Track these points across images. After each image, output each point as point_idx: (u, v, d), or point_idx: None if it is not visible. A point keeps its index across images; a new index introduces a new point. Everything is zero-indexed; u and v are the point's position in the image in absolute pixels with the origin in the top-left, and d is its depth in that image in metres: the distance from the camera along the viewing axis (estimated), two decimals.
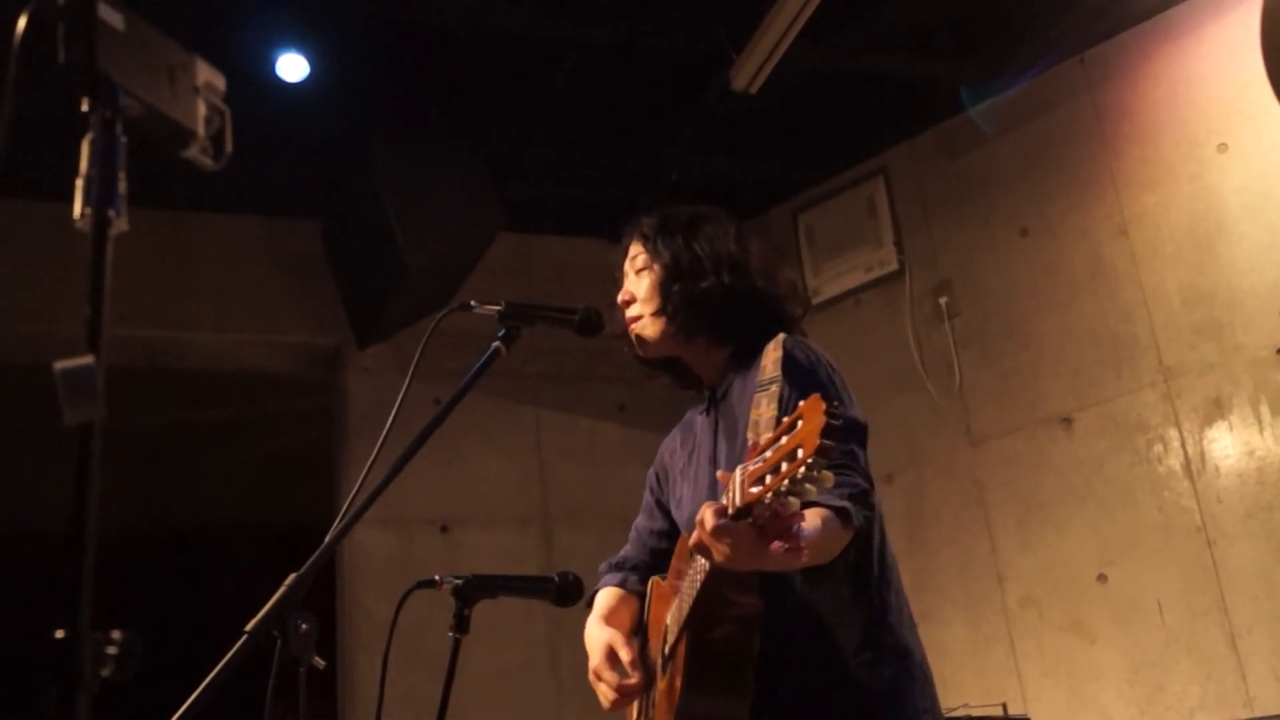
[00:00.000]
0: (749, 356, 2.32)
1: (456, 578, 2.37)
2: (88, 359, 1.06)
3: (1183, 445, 4.45)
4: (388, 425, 2.05)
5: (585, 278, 5.88)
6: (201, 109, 1.27)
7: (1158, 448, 4.51)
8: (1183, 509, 4.41)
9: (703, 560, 1.98)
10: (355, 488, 1.99)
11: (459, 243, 4.96)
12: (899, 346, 5.30)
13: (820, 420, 1.55)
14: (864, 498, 2.02)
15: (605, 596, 2.56)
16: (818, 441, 1.54)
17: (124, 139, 1.16)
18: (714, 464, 2.35)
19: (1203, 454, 4.40)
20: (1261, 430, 4.28)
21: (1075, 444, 4.74)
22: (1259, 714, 4.08)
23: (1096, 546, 4.60)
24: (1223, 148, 4.52)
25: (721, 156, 5.65)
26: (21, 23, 1.13)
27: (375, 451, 2.03)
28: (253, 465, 7.83)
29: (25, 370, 4.67)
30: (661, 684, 2.25)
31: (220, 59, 1.32)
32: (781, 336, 2.23)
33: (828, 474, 1.56)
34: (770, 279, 2.43)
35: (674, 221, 2.48)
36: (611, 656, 2.40)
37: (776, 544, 1.70)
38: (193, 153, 1.27)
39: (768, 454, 1.66)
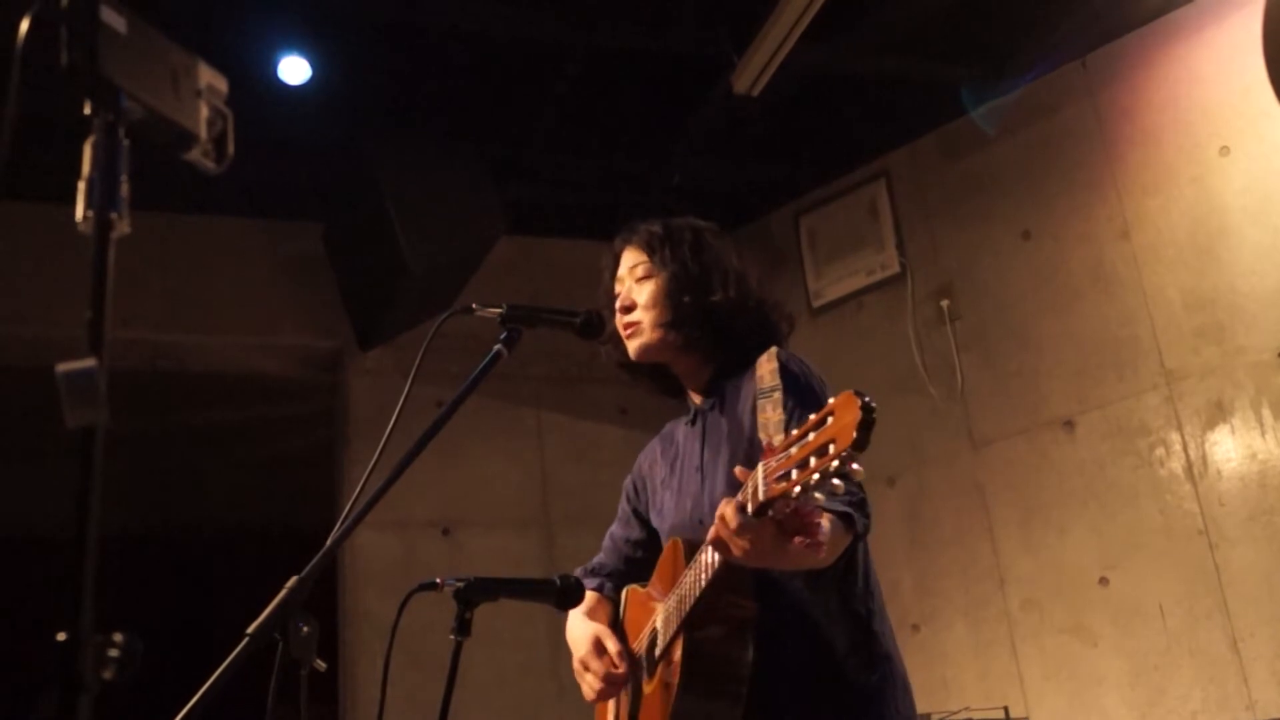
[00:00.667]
0: (738, 370, 2.36)
1: (458, 580, 2.36)
2: (90, 362, 1.06)
3: (1184, 448, 4.45)
4: (389, 428, 2.05)
5: (587, 281, 5.83)
6: (204, 112, 1.27)
7: (1159, 451, 4.51)
8: (1185, 512, 4.41)
9: (706, 559, 1.98)
10: (357, 490, 1.99)
11: (461, 245, 4.96)
12: (901, 349, 5.30)
13: (856, 414, 1.55)
14: (863, 505, 2.07)
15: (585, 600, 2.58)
16: (854, 435, 1.54)
17: (126, 142, 1.17)
18: (701, 473, 2.38)
19: (1205, 457, 4.39)
20: (1263, 433, 4.27)
21: (1077, 447, 4.73)
22: (1261, 717, 4.07)
23: (1098, 549, 4.60)
24: (1224, 151, 4.51)
25: (723, 159, 5.66)
26: (24, 25, 1.14)
27: (377, 454, 2.03)
28: (254, 468, 7.83)
29: (27, 373, 4.68)
30: (648, 687, 2.25)
31: (222, 62, 1.32)
32: (774, 349, 2.27)
33: (859, 469, 1.58)
34: (766, 296, 2.48)
35: (678, 233, 2.49)
36: (599, 647, 2.43)
37: (799, 539, 1.71)
38: (195, 155, 1.27)
39: (792, 450, 1.66)
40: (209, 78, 1.29)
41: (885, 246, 5.46)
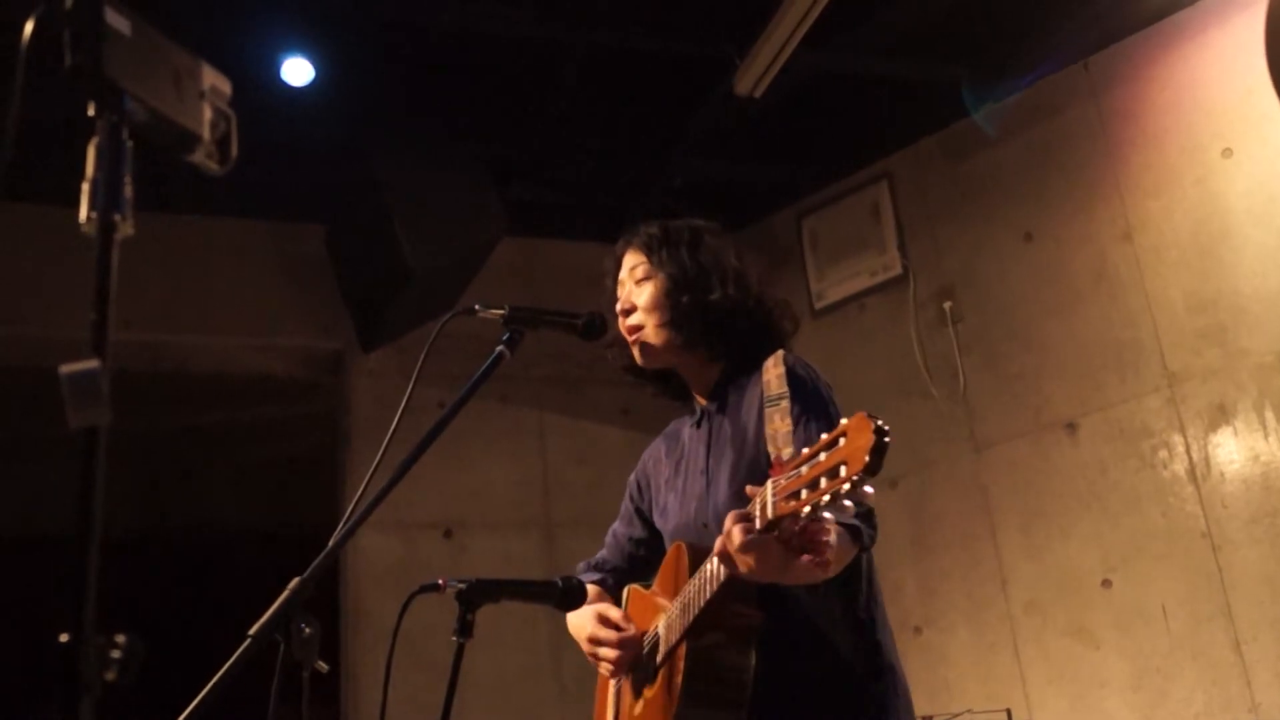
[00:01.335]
0: (744, 372, 2.36)
1: (460, 582, 2.36)
2: (93, 363, 1.06)
3: (1187, 451, 4.45)
4: (391, 429, 2.06)
5: (589, 282, 5.85)
6: (207, 113, 1.28)
7: (1162, 453, 4.51)
8: (1187, 514, 4.40)
9: (711, 570, 1.99)
10: (359, 492, 2.00)
11: (463, 247, 4.97)
12: (903, 351, 5.30)
13: (869, 439, 1.56)
14: (870, 517, 2.07)
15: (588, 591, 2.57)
16: (865, 459, 1.55)
17: (130, 143, 1.17)
18: (705, 476, 2.38)
19: (1207, 459, 4.39)
20: (1266, 435, 4.27)
21: (1079, 449, 4.73)
22: None
23: (1101, 552, 4.60)
24: (1227, 153, 4.51)
25: (725, 161, 5.66)
26: (28, 28, 1.14)
27: (379, 455, 2.03)
28: (256, 469, 7.83)
29: (30, 374, 4.68)
30: (650, 691, 2.25)
31: (225, 63, 1.32)
32: (781, 353, 2.27)
33: (869, 490, 1.59)
34: (768, 294, 2.48)
35: (676, 233, 2.50)
36: (602, 619, 2.42)
37: (806, 557, 1.72)
38: (198, 157, 1.28)
39: (803, 470, 1.67)
40: (212, 79, 1.29)
41: (887, 248, 5.45)
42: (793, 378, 2.17)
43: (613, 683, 2.48)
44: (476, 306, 2.30)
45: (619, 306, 2.49)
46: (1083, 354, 4.79)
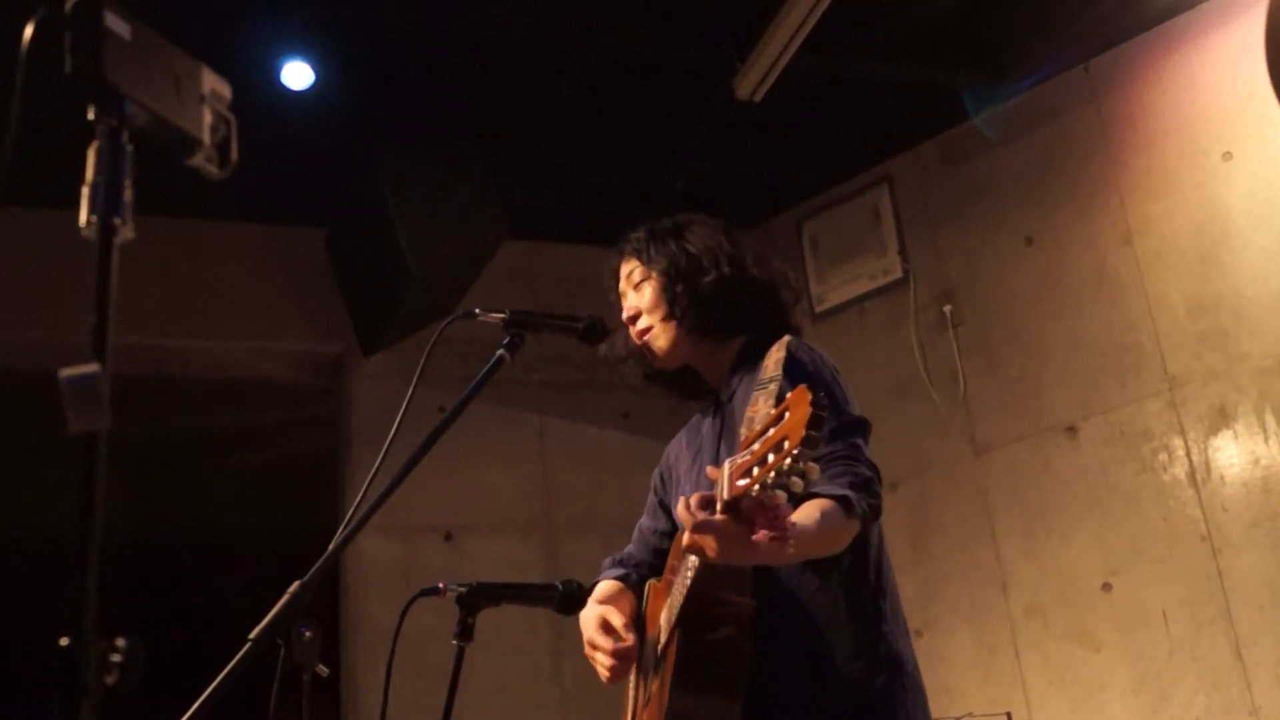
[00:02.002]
0: (754, 358, 2.33)
1: (460, 586, 2.37)
2: (93, 367, 1.06)
3: (1188, 454, 4.45)
4: (392, 433, 2.06)
5: (589, 286, 5.84)
6: (207, 117, 1.28)
7: (1162, 456, 4.51)
8: (1188, 518, 4.40)
9: (694, 558, 1.97)
10: (359, 495, 2.00)
11: (463, 250, 4.96)
12: (903, 355, 5.30)
13: (806, 411, 1.54)
14: (868, 486, 2.03)
15: (604, 587, 2.56)
16: (803, 433, 1.53)
17: (130, 147, 1.17)
18: (717, 461, 2.35)
19: (1208, 463, 4.39)
20: (1267, 439, 4.27)
21: (1080, 453, 4.73)
22: None
23: (1101, 555, 4.60)
24: (1227, 156, 4.51)
25: (726, 164, 5.66)
26: (28, 31, 1.14)
27: (379, 459, 2.03)
28: (256, 473, 7.83)
29: (30, 377, 4.68)
30: (654, 684, 2.24)
31: (226, 67, 1.32)
32: (786, 339, 2.24)
33: (813, 465, 1.57)
34: (765, 267, 2.48)
35: (660, 229, 2.52)
36: (606, 626, 2.40)
37: (762, 533, 1.70)
38: (198, 161, 1.28)
39: (755, 446, 1.66)
40: (212, 83, 1.29)
41: (888, 252, 5.46)
42: (791, 361, 2.15)
43: (633, 681, 2.48)
44: (477, 310, 2.30)
45: (625, 315, 2.50)
46: (1083, 357, 4.79)
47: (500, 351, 2.24)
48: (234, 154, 1.30)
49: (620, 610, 2.44)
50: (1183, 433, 4.47)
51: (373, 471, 2.01)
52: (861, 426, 2.17)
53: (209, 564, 8.02)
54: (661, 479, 2.68)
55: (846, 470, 2.03)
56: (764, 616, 2.07)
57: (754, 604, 2.06)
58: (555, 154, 5.44)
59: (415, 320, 5.13)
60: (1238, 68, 4.48)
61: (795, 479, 1.58)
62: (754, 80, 4.65)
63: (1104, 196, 4.83)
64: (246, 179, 1.61)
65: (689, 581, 2.00)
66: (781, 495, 1.62)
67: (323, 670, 2.00)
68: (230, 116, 1.30)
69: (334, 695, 5.10)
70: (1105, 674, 4.51)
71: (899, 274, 5.41)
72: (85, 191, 1.15)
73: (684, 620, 2.06)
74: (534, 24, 4.58)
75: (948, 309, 5.22)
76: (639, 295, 2.47)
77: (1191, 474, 4.42)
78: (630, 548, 2.70)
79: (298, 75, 4.57)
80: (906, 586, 5.03)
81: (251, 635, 1.73)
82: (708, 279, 2.40)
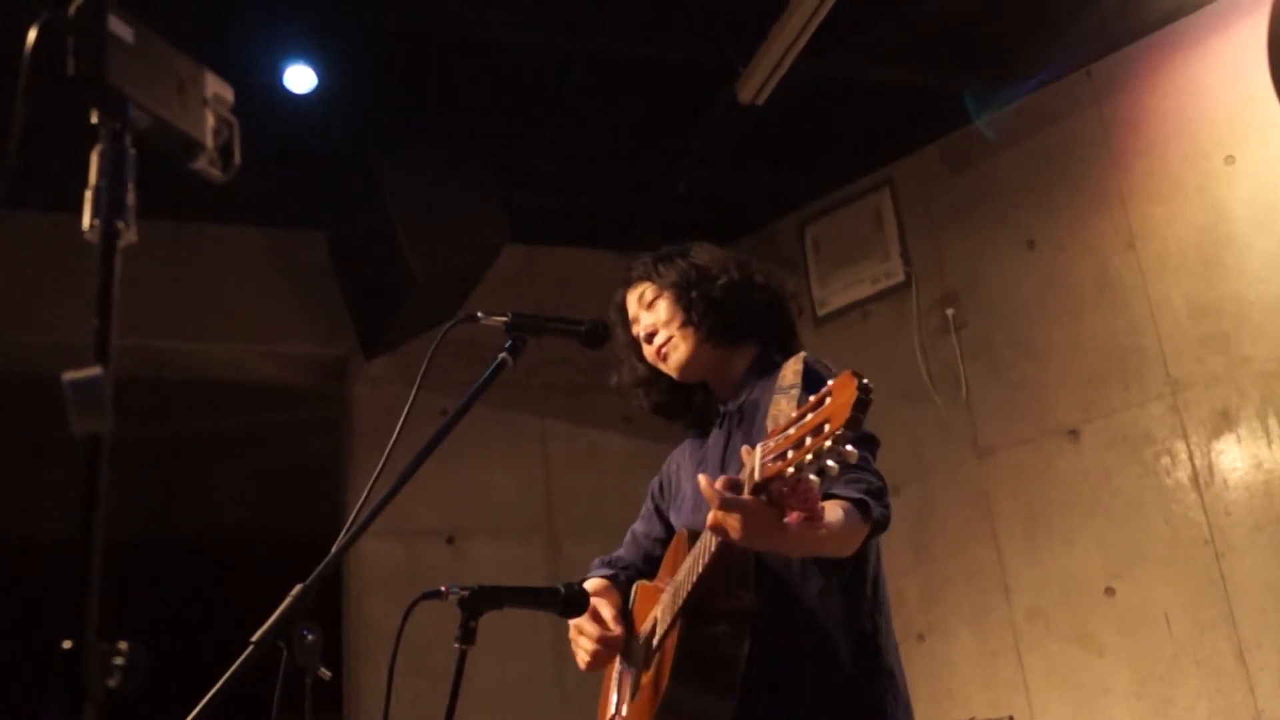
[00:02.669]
0: (767, 370, 2.38)
1: (462, 589, 2.36)
2: (96, 370, 1.06)
3: (1190, 458, 4.44)
4: (394, 436, 2.06)
5: (591, 289, 5.87)
6: (210, 121, 1.28)
7: (1165, 460, 4.50)
8: (1190, 522, 4.40)
9: (705, 543, 1.98)
10: (361, 498, 2.00)
11: (465, 254, 4.97)
12: (906, 358, 5.30)
13: (852, 394, 1.55)
14: (880, 495, 2.06)
15: (592, 584, 2.60)
16: (848, 415, 1.54)
17: (133, 151, 1.17)
18: (723, 468, 2.37)
19: (1210, 466, 4.39)
20: (1269, 443, 4.26)
21: (1082, 456, 4.73)
22: None
23: (1104, 559, 4.59)
24: (1230, 160, 4.51)
25: (728, 168, 5.66)
26: (31, 35, 1.14)
27: (381, 462, 2.03)
28: (259, 476, 7.83)
29: (33, 380, 4.68)
30: (645, 677, 2.25)
31: (228, 71, 1.33)
32: (803, 354, 2.28)
33: (851, 451, 1.57)
34: (771, 278, 2.55)
35: (664, 252, 2.59)
36: (595, 615, 2.45)
37: (795, 515, 1.70)
38: (201, 164, 1.28)
39: (790, 431, 1.66)
40: (215, 86, 1.29)
41: (890, 255, 5.46)
42: (810, 372, 2.18)
43: (615, 673, 2.49)
44: (479, 313, 2.31)
45: (641, 334, 2.54)
46: (1085, 361, 4.78)
47: (502, 355, 2.25)
48: (236, 157, 1.30)
49: (610, 604, 2.49)
50: (1185, 436, 4.47)
51: (375, 474, 2.02)
52: (873, 442, 2.22)
53: (211, 566, 8.03)
54: (660, 486, 2.71)
55: (861, 478, 2.06)
56: (765, 617, 2.09)
57: (755, 603, 2.07)
58: (557, 157, 5.45)
59: (417, 323, 5.13)
60: (1240, 71, 4.48)
61: (831, 463, 1.59)
62: (756, 83, 4.65)
63: (1106, 200, 4.83)
64: (249, 182, 1.62)
65: (700, 571, 2.01)
66: (816, 480, 1.62)
67: (325, 673, 2.00)
68: (233, 120, 1.31)
69: (336, 698, 5.11)
70: (1108, 678, 4.51)
71: (901, 277, 5.40)
72: (88, 195, 1.15)
73: (687, 611, 2.07)
74: (536, 27, 4.58)
75: (950, 312, 5.22)
76: (653, 312, 2.51)
77: (1194, 477, 4.42)
78: (621, 550, 2.74)
79: (300, 79, 4.57)
80: (909, 590, 5.04)
81: (254, 638, 1.73)
82: (719, 283, 2.45)
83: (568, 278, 5.88)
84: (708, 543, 1.98)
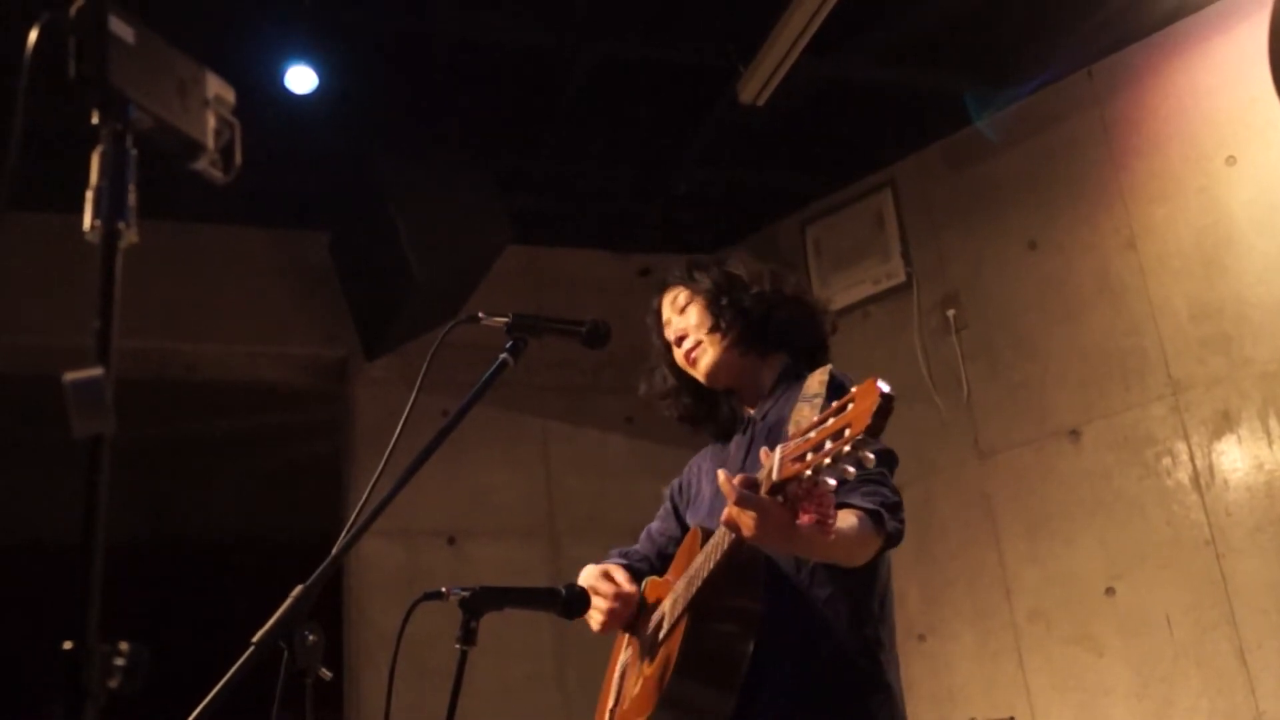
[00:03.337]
0: (793, 382, 2.41)
1: (463, 590, 2.36)
2: (97, 371, 1.06)
3: (1191, 459, 4.44)
4: (395, 437, 2.06)
5: (593, 290, 5.89)
6: (211, 121, 1.28)
7: (1166, 461, 4.50)
8: (1191, 522, 4.39)
9: (717, 539, 2.00)
10: (363, 499, 2.00)
11: (467, 255, 4.97)
12: (906, 359, 5.29)
13: (875, 400, 1.57)
14: (896, 509, 2.09)
15: (606, 564, 2.62)
16: (868, 421, 1.55)
17: (134, 152, 1.17)
18: (742, 471, 2.38)
19: (1211, 467, 4.38)
20: (1270, 443, 4.26)
21: (1083, 457, 4.73)
22: None
23: (1105, 560, 4.59)
24: (1231, 161, 4.51)
25: (729, 169, 5.66)
26: (33, 36, 1.14)
27: (383, 463, 2.03)
28: (260, 476, 7.84)
29: (34, 381, 4.68)
30: (648, 669, 2.26)
31: (229, 72, 1.33)
32: (829, 366, 2.28)
33: (870, 456, 1.59)
34: (804, 293, 2.62)
35: (701, 260, 2.65)
36: (605, 575, 2.49)
37: (807, 517, 1.71)
38: (202, 165, 1.28)
39: (811, 434, 1.68)
40: (216, 88, 1.30)
41: (891, 256, 5.46)
42: (835, 384, 2.18)
43: (620, 663, 2.49)
44: (480, 314, 2.31)
45: (672, 337, 2.58)
46: (1087, 362, 4.78)
47: (503, 356, 2.25)
48: (237, 158, 1.31)
49: (622, 570, 2.52)
50: (1186, 437, 4.47)
51: (376, 475, 2.02)
52: (891, 458, 2.23)
53: (212, 567, 8.03)
54: (679, 486, 2.74)
55: (877, 491, 2.08)
56: (771, 619, 2.10)
57: (761, 607, 2.08)
58: (558, 158, 5.45)
59: (418, 324, 5.13)
60: (1241, 72, 4.47)
61: (849, 467, 1.60)
62: (757, 84, 4.66)
63: (1107, 201, 4.82)
64: (250, 183, 1.62)
65: (710, 568, 2.03)
66: (832, 483, 1.63)
67: (325, 674, 2.00)
68: (234, 121, 1.31)
69: (337, 699, 5.11)
70: (1109, 679, 4.51)
71: (902, 278, 5.40)
72: (89, 196, 1.15)
73: (694, 607, 2.09)
74: (537, 29, 4.58)
75: (951, 313, 5.22)
76: (685, 317, 2.56)
77: (1195, 478, 4.42)
78: (637, 545, 2.76)
79: (301, 80, 4.57)
80: (910, 591, 5.04)
81: (255, 639, 1.74)
82: (752, 291, 2.51)
83: (569, 279, 5.89)
84: (720, 540, 2.00)
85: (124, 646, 1.04)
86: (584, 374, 5.68)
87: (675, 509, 2.71)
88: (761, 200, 5.88)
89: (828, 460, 1.61)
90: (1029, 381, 4.95)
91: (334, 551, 1.92)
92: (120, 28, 1.17)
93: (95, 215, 1.14)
